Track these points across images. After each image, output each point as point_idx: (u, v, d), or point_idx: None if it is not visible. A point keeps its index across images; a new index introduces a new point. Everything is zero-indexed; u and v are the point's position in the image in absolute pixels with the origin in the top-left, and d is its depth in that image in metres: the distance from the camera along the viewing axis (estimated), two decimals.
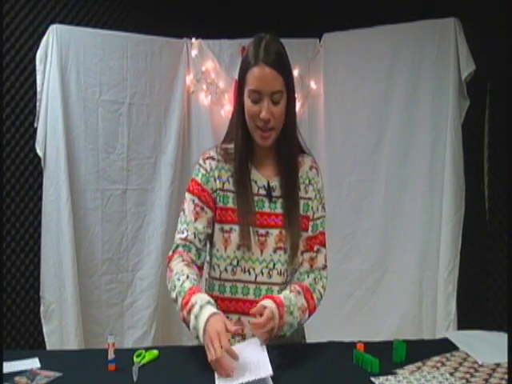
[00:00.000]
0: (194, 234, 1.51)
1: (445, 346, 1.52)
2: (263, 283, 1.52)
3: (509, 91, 2.42)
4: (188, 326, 1.39)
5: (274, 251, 1.53)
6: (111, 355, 1.33)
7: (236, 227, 1.51)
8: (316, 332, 3.01)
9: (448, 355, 1.45)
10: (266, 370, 1.24)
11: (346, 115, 3.13)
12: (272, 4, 3.24)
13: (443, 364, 1.38)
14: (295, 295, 1.49)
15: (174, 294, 1.44)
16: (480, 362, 1.40)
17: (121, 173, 3.03)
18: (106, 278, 3.00)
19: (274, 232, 1.53)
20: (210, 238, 1.56)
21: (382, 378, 1.29)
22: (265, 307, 1.39)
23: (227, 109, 3.25)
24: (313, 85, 3.23)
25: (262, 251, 1.52)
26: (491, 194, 2.90)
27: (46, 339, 2.82)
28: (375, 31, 3.00)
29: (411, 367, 1.36)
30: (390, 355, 1.41)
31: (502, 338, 1.54)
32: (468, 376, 1.31)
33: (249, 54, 1.46)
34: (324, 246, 1.62)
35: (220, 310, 1.39)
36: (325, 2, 3.17)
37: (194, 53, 3.22)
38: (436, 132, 2.86)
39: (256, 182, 1.54)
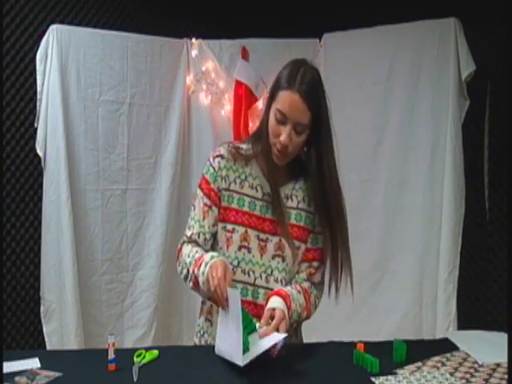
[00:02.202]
0: (199, 233, 1.55)
1: (445, 346, 1.52)
2: (261, 287, 1.54)
3: (509, 91, 2.42)
4: (199, 289, 1.46)
5: (273, 257, 1.55)
6: (111, 355, 1.33)
7: (238, 228, 1.53)
8: (316, 332, 3.01)
9: (448, 355, 1.45)
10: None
11: (346, 115, 3.13)
12: (272, 4, 3.24)
13: (443, 364, 1.38)
14: (296, 292, 1.53)
15: (184, 271, 1.51)
16: (480, 362, 1.39)
17: (121, 173, 3.03)
18: (106, 278, 3.00)
19: (274, 239, 1.55)
20: (215, 235, 1.59)
21: (382, 378, 1.29)
22: (274, 309, 1.43)
23: (227, 109, 3.26)
24: None
25: (261, 256, 1.55)
26: (491, 194, 2.90)
27: (46, 339, 2.82)
28: (375, 31, 3.00)
29: (411, 367, 1.36)
30: (389, 355, 1.41)
31: (501, 338, 1.54)
32: (468, 376, 1.31)
33: (284, 74, 1.47)
34: (323, 262, 1.63)
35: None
36: (325, 2, 3.17)
37: (194, 53, 3.22)
38: (436, 132, 2.86)
39: (262, 188, 1.56)
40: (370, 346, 1.42)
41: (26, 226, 2.85)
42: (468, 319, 2.87)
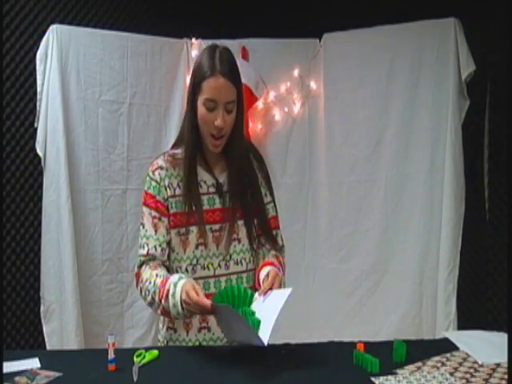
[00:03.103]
0: (155, 246, 1.57)
1: (445, 346, 1.52)
2: (222, 275, 1.59)
3: (509, 91, 2.42)
4: (169, 316, 1.48)
5: (229, 243, 1.60)
6: (111, 355, 1.33)
7: (193, 228, 1.57)
8: (316, 332, 3.02)
9: (448, 355, 1.45)
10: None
11: (346, 115, 3.13)
12: (272, 4, 3.24)
13: (443, 364, 1.38)
14: (272, 257, 1.62)
15: (149, 298, 1.52)
16: (480, 362, 1.39)
17: (121, 173, 3.03)
18: (106, 278, 3.00)
19: (227, 226, 1.60)
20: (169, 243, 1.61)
21: (382, 378, 1.29)
22: (267, 272, 1.51)
23: None
24: (313, 85, 3.23)
25: (217, 246, 1.59)
26: (491, 194, 2.90)
27: (46, 339, 2.82)
28: (375, 31, 3.00)
29: (411, 367, 1.36)
30: (389, 355, 1.41)
31: (501, 338, 1.54)
32: (468, 376, 1.31)
33: (203, 63, 1.54)
34: (279, 228, 1.72)
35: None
36: (325, 2, 3.17)
37: (194, 53, 3.21)
38: (436, 132, 2.86)
39: (205, 182, 1.61)
40: (370, 346, 1.42)
41: (26, 225, 2.85)
42: (468, 319, 2.87)
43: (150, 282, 1.51)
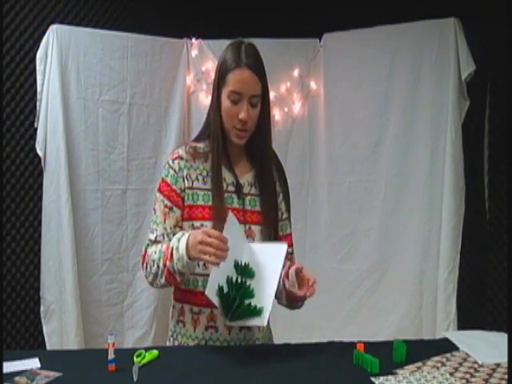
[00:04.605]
0: (163, 234, 1.53)
1: (445, 346, 1.51)
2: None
3: (509, 91, 2.42)
4: (175, 280, 1.44)
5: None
6: (111, 355, 1.33)
7: (207, 223, 1.53)
8: (316, 332, 3.03)
9: (448, 355, 1.45)
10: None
11: (345, 115, 3.13)
12: (272, 4, 3.25)
13: (443, 364, 1.38)
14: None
15: (154, 269, 1.48)
16: (480, 362, 1.39)
17: (121, 173, 3.03)
18: (106, 278, 3.00)
19: (244, 227, 1.56)
20: None
21: (382, 378, 1.29)
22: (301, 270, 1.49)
23: None
24: (313, 85, 3.23)
25: None
26: (491, 194, 2.90)
27: (46, 339, 2.82)
28: (375, 31, 3.00)
29: (411, 367, 1.36)
30: (389, 355, 1.40)
31: (502, 338, 1.54)
32: (468, 376, 1.31)
33: (228, 57, 1.54)
34: (291, 246, 1.68)
35: (193, 304, 1.53)
36: (325, 2, 3.18)
37: (194, 53, 3.22)
38: (436, 132, 2.86)
39: (225, 180, 1.58)
40: (370, 346, 1.42)
41: (26, 226, 2.85)
42: (468, 319, 2.87)
43: (155, 253, 1.48)
